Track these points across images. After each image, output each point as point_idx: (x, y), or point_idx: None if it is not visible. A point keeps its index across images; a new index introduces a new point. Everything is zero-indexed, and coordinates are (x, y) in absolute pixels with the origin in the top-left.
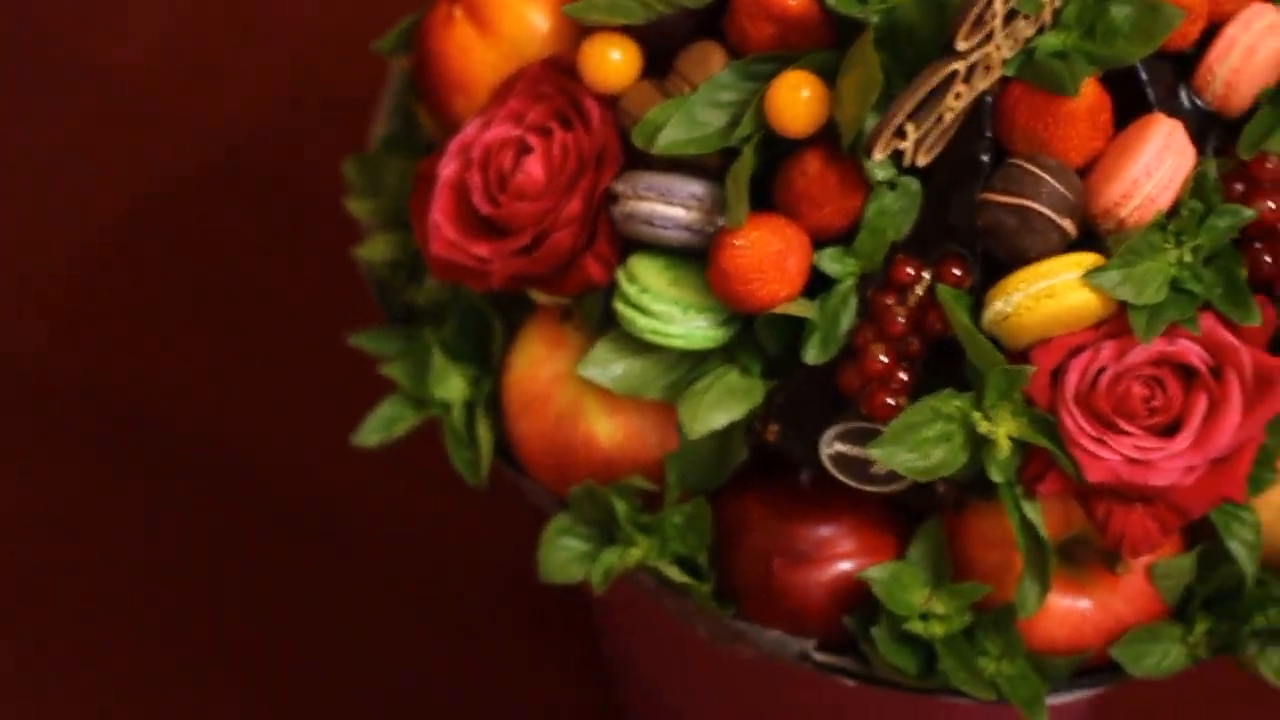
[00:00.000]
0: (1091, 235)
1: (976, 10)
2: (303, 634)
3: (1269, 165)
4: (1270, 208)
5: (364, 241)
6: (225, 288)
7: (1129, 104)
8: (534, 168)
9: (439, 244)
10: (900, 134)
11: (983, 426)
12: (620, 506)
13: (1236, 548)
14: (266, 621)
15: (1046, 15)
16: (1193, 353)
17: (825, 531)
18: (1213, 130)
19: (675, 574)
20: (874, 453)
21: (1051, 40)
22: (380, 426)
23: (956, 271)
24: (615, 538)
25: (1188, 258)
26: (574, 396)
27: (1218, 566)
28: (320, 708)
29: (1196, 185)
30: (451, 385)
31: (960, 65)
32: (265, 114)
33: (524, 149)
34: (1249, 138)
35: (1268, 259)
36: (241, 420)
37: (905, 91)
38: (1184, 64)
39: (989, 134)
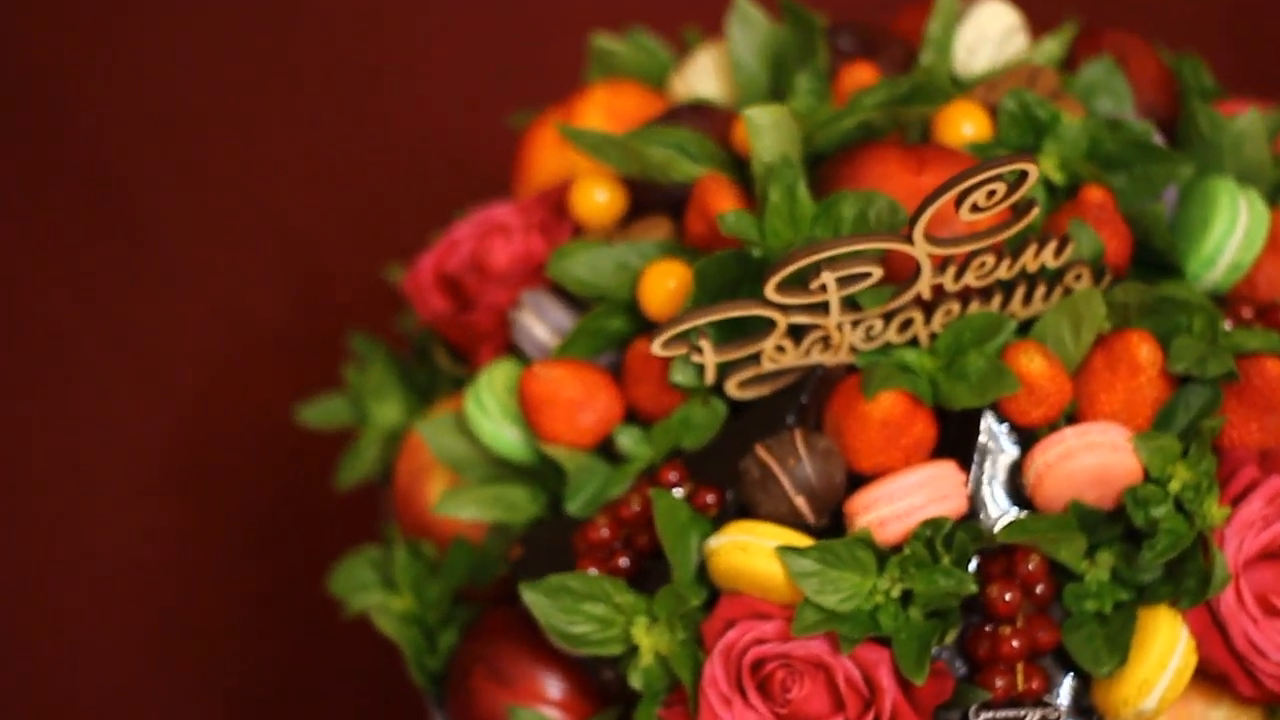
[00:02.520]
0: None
1: (789, 270)
2: None
3: (1029, 565)
4: (1006, 599)
5: None
6: None
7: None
8: (500, 255)
9: (418, 294)
10: (697, 348)
11: (637, 630)
12: (400, 557)
13: None
14: None
15: (922, 335)
16: (844, 673)
17: (535, 669)
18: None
19: (391, 627)
20: (526, 592)
21: (905, 354)
22: (319, 413)
23: (709, 498)
24: (393, 586)
25: (894, 593)
26: (434, 457)
27: None
28: None
29: (944, 538)
30: (388, 405)
31: (778, 317)
32: None
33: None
34: (1012, 530)
35: (987, 644)
36: None
37: (703, 306)
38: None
39: (804, 400)
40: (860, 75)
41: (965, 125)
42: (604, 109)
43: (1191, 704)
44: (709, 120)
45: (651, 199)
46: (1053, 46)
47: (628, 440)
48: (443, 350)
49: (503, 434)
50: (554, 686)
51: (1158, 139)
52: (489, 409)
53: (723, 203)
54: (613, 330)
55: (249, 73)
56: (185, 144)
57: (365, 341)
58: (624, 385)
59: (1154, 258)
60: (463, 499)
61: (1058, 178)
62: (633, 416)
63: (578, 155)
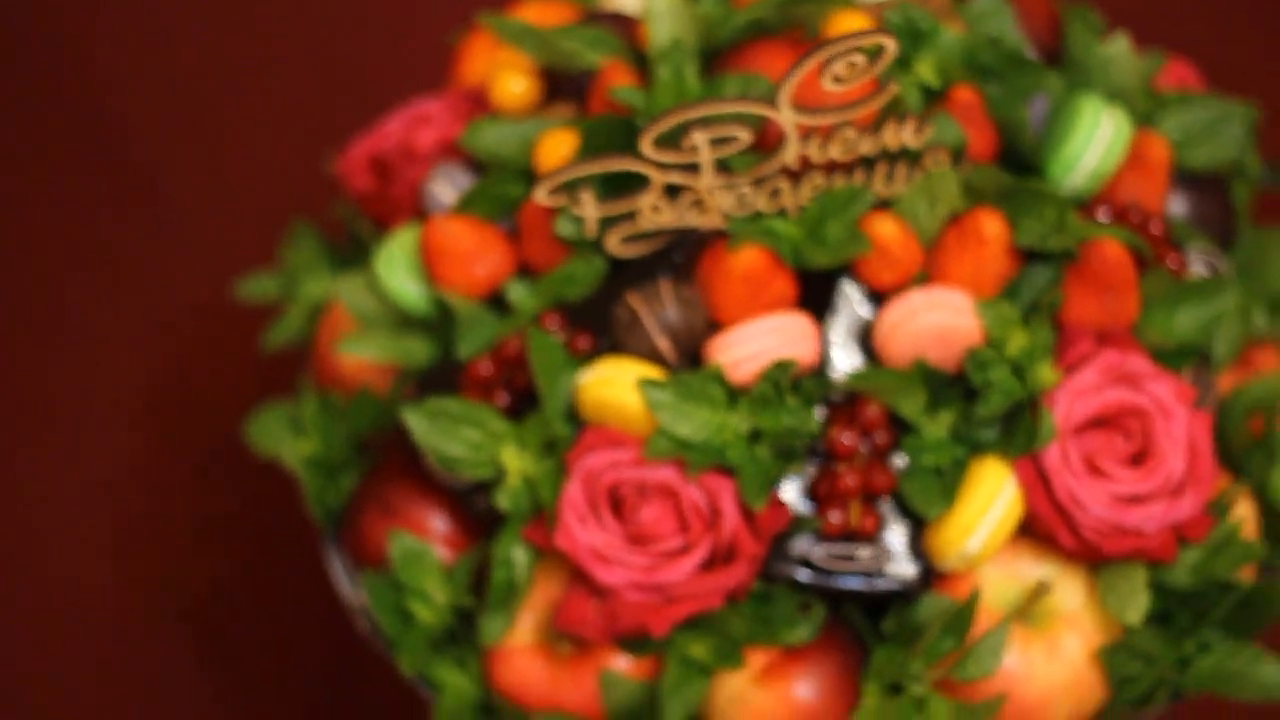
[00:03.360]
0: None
1: (663, 126)
2: None
3: (870, 412)
4: (844, 441)
5: None
6: None
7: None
8: (424, 139)
9: (348, 174)
10: (578, 200)
11: (506, 454)
12: (309, 404)
13: None
14: None
15: (790, 205)
16: (690, 498)
17: (422, 505)
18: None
19: (297, 466)
20: (407, 413)
21: (773, 221)
22: (254, 288)
23: (583, 343)
24: (302, 432)
25: (743, 428)
26: (349, 322)
27: None
28: None
29: (792, 385)
30: (316, 280)
31: (653, 174)
32: None
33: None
34: (856, 379)
35: (827, 483)
36: None
37: (583, 160)
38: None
39: (678, 259)
40: None
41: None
42: (534, 20)
43: (1021, 559)
44: (621, 25)
45: (564, 89)
46: None
47: (516, 292)
48: (366, 225)
49: (406, 288)
50: (438, 521)
51: (1031, 54)
52: (396, 265)
53: (620, 82)
54: (512, 196)
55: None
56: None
57: (300, 223)
58: (518, 243)
59: (1020, 160)
60: (365, 342)
61: (934, 82)
62: (525, 273)
63: (503, 56)
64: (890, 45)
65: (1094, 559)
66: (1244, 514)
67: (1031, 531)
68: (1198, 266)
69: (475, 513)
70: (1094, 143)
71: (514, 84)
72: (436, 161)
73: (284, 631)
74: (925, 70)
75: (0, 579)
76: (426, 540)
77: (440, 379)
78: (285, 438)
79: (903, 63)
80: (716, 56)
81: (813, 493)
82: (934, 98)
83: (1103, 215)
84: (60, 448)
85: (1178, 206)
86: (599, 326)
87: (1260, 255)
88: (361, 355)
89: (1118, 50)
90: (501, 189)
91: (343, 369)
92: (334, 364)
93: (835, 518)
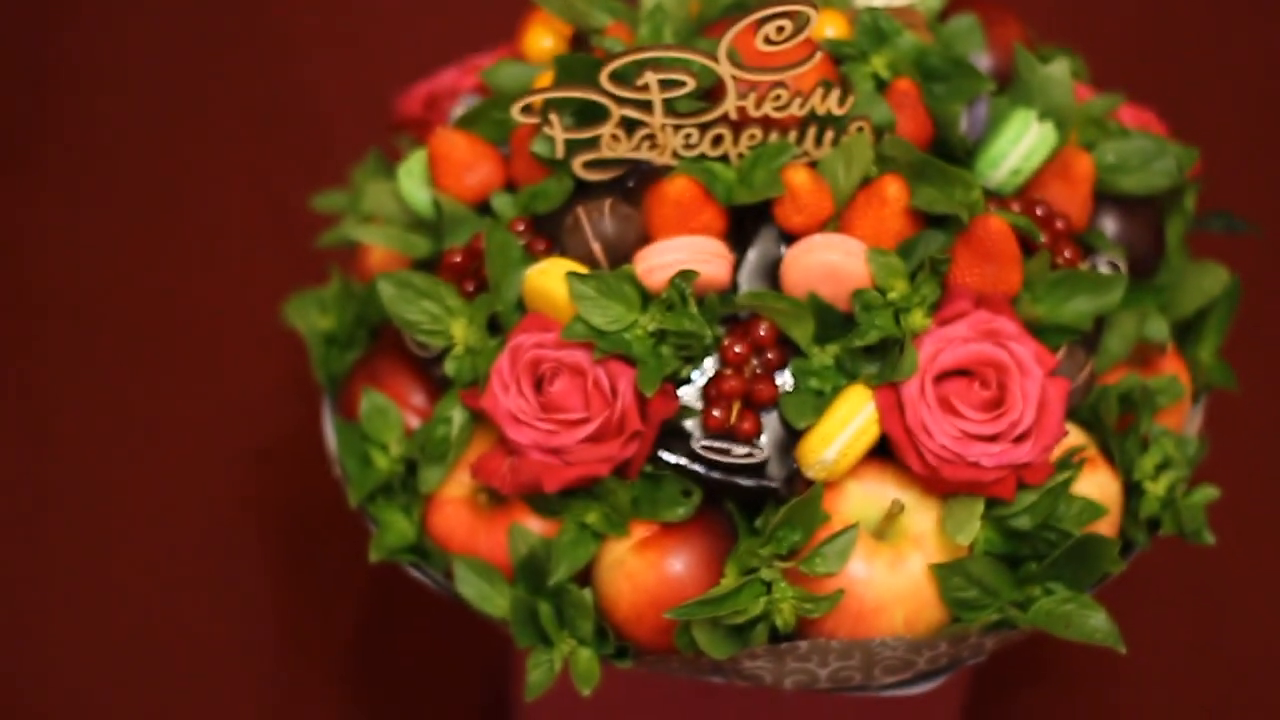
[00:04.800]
0: None
1: (617, 63)
2: None
3: (761, 330)
4: (735, 350)
5: None
6: None
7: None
8: (469, 81)
9: (404, 103)
10: (548, 121)
11: (456, 324)
12: (334, 285)
13: None
14: None
15: (731, 153)
16: (594, 377)
17: (404, 380)
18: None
19: (310, 335)
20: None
21: (715, 166)
22: (326, 201)
23: (540, 245)
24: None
25: (650, 326)
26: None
27: None
28: None
29: (698, 298)
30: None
31: (611, 105)
32: None
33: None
34: (752, 296)
35: (715, 384)
36: None
37: (551, 85)
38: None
39: (630, 185)
40: None
41: (828, 27)
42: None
43: (886, 484)
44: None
45: (583, 49)
46: (933, 1)
47: (499, 201)
48: (410, 147)
49: (417, 193)
50: (416, 396)
51: (981, 64)
52: (414, 173)
53: (616, 36)
54: (511, 122)
55: None
56: None
57: (373, 150)
58: (510, 162)
59: (952, 154)
60: (374, 231)
61: (885, 75)
62: (512, 188)
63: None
64: (812, 14)
65: (937, 483)
66: (1111, 493)
67: (896, 460)
68: (1101, 268)
69: (435, 381)
70: (1018, 145)
71: (543, 39)
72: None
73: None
74: (879, 64)
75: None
76: (400, 406)
77: (428, 267)
78: (313, 316)
79: (863, 56)
80: (705, 29)
81: (704, 392)
82: (884, 88)
83: (1015, 205)
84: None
85: (1109, 225)
86: (557, 235)
87: (1180, 280)
88: (369, 240)
89: (1056, 70)
90: (503, 115)
91: (370, 264)
92: (365, 261)
93: (717, 414)
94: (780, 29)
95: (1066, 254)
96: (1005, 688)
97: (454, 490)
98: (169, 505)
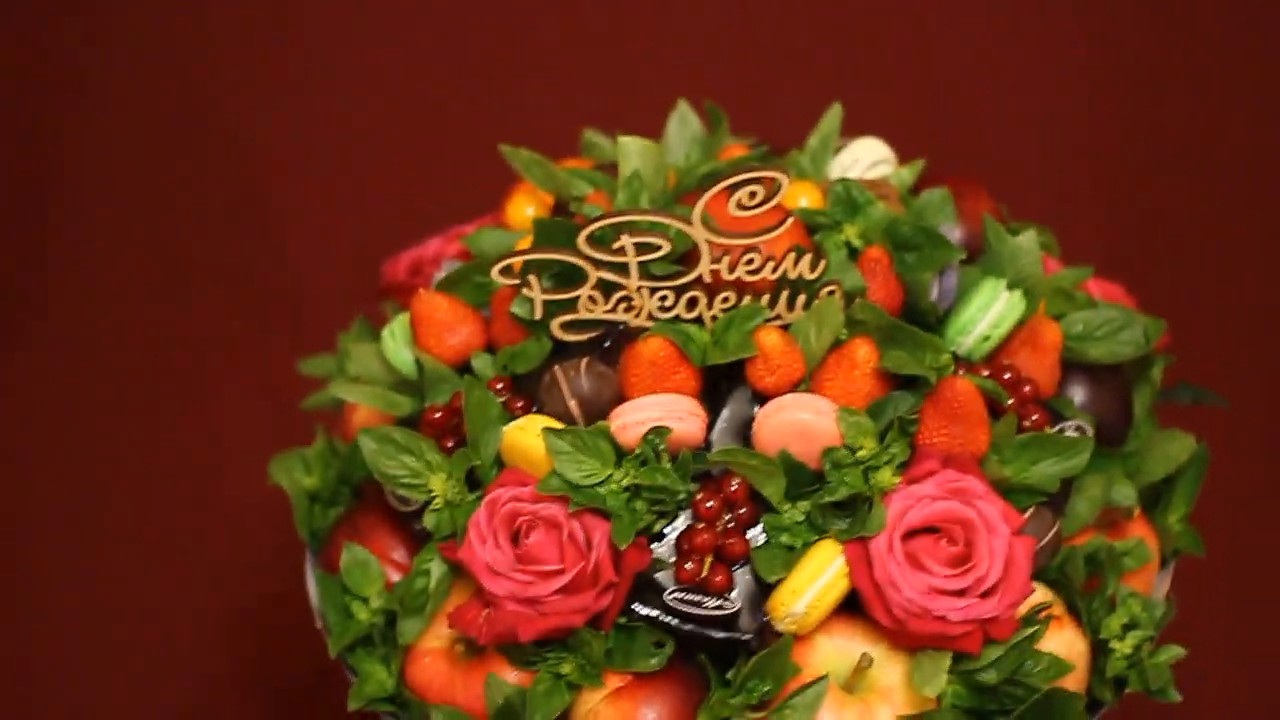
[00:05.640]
0: None
1: (594, 226)
2: None
3: (733, 485)
4: (708, 506)
5: None
6: None
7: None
8: (453, 249)
9: (390, 269)
10: (527, 283)
11: (435, 479)
12: (318, 444)
13: None
14: None
15: (705, 315)
16: (570, 531)
17: (386, 536)
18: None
19: (294, 495)
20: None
21: (689, 328)
22: (313, 366)
23: (519, 404)
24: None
25: (624, 481)
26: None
27: None
28: None
29: (672, 456)
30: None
31: (588, 268)
32: None
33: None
34: (724, 454)
35: (688, 538)
36: None
37: (530, 248)
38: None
39: (606, 345)
40: (734, 150)
41: (802, 197)
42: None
43: (855, 638)
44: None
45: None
46: (905, 174)
47: (479, 362)
48: (393, 309)
49: (401, 353)
50: (397, 551)
51: (952, 235)
52: (397, 336)
53: (596, 202)
54: (492, 286)
55: None
56: None
57: (359, 318)
58: (490, 323)
59: (922, 321)
60: (358, 390)
61: (858, 243)
62: (492, 350)
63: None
64: (783, 180)
65: (904, 636)
66: (1078, 651)
67: (865, 615)
68: (1069, 433)
69: (415, 535)
70: (988, 313)
71: (526, 207)
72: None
73: None
74: (851, 233)
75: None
76: (382, 561)
77: (410, 425)
78: (297, 474)
79: (837, 225)
80: (681, 197)
81: (676, 546)
82: (856, 256)
83: (983, 371)
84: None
85: (1077, 393)
86: (535, 394)
87: (1148, 447)
88: (353, 399)
89: (1024, 241)
90: (484, 278)
91: (354, 423)
92: (350, 421)
93: (690, 567)
94: (753, 194)
95: (1034, 417)
96: None
97: (432, 641)
98: (157, 666)
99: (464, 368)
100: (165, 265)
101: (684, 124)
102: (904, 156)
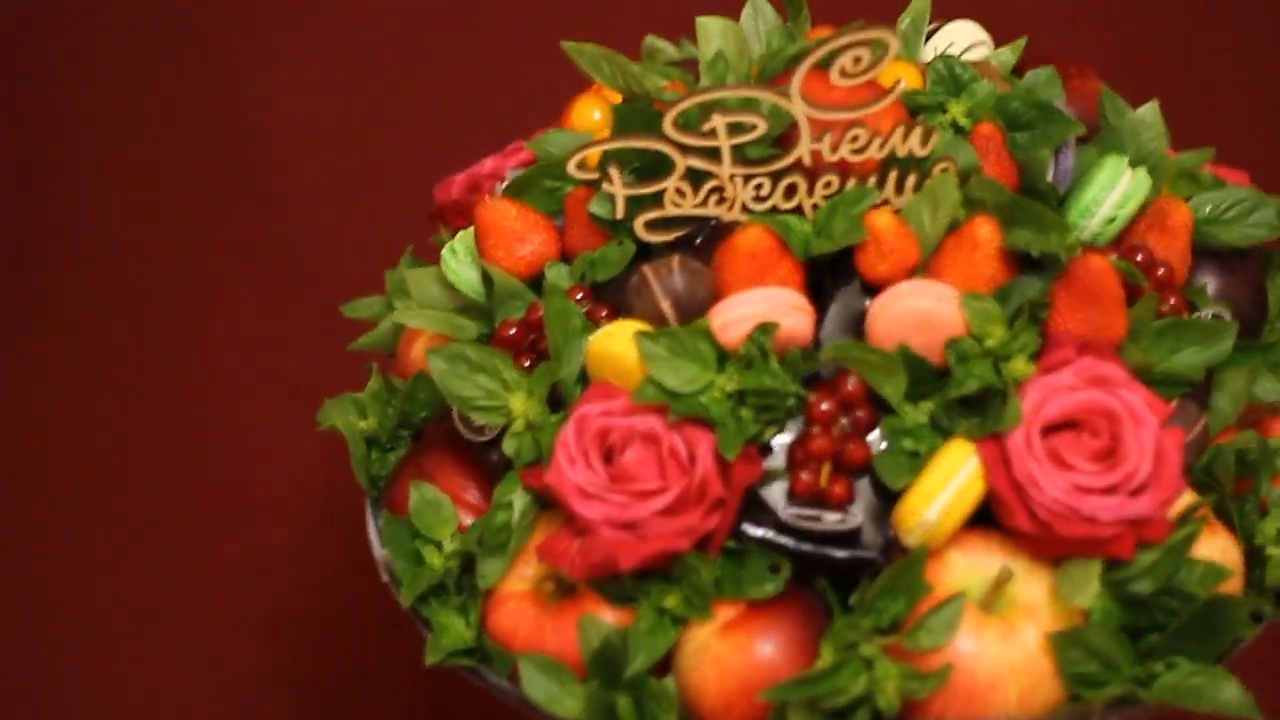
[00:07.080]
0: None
1: (682, 106)
2: None
3: (849, 385)
4: (822, 408)
5: None
6: None
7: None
8: (510, 164)
9: (444, 188)
10: (608, 176)
11: (515, 400)
12: (373, 384)
13: None
14: None
15: (805, 204)
16: (670, 445)
17: (456, 476)
18: None
19: (350, 437)
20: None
21: (789, 218)
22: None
23: (602, 313)
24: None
25: (728, 386)
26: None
27: None
28: None
29: (780, 355)
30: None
31: (675, 155)
32: None
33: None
34: (838, 349)
35: (801, 446)
36: None
37: (611, 135)
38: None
39: (697, 243)
40: (821, 30)
41: (900, 78)
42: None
43: (992, 553)
44: (689, 66)
45: None
46: (1007, 53)
47: (553, 273)
48: (448, 236)
49: (463, 272)
50: (470, 492)
51: (1062, 107)
52: (459, 253)
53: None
54: (563, 191)
55: None
56: None
57: (408, 254)
58: (565, 231)
59: (1040, 201)
60: (421, 315)
61: (964, 123)
62: (567, 260)
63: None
64: (891, 40)
65: (1049, 543)
66: (1233, 559)
67: (1006, 530)
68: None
69: (491, 469)
70: (1111, 193)
71: (593, 111)
72: None
73: None
74: (957, 111)
75: None
76: (458, 507)
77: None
78: (352, 416)
79: (940, 106)
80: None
81: (789, 456)
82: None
83: (1112, 255)
84: None
85: (1209, 281)
86: (621, 302)
87: None
88: (415, 324)
89: (1146, 114)
90: (554, 182)
91: (412, 360)
92: (406, 358)
93: (805, 477)
94: (857, 59)
95: (1172, 301)
96: None
97: (515, 584)
98: (175, 664)
99: (535, 284)
100: (172, 240)
101: (759, 15)
102: (997, 41)
